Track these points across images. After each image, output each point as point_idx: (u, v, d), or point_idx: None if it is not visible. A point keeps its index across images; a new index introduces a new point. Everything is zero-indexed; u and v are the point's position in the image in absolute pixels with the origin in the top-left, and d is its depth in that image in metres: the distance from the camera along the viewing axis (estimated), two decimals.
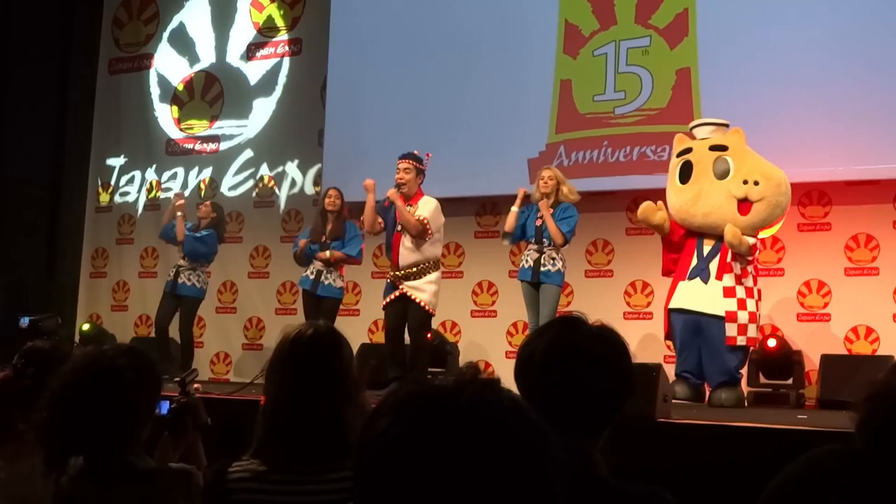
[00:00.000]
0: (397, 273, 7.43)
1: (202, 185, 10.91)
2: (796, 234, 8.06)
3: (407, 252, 7.40)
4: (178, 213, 8.98)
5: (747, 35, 8.12)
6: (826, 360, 7.39)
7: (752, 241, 6.87)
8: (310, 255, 8.37)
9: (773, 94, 7.87)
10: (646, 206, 7.14)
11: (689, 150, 7.15)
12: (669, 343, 7.33)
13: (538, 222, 7.46)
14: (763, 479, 1.37)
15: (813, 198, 8.07)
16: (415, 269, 7.40)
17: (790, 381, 7.48)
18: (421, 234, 7.36)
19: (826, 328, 7.95)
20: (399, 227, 7.43)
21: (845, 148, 7.64)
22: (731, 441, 4.76)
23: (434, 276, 7.49)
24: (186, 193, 10.76)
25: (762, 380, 7.56)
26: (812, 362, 7.59)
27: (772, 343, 7.53)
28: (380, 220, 7.56)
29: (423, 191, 7.55)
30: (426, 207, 7.42)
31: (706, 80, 8.21)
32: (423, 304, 7.38)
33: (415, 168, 7.47)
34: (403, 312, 7.42)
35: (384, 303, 7.55)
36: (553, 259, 7.39)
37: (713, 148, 7.06)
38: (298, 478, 2.28)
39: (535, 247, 7.45)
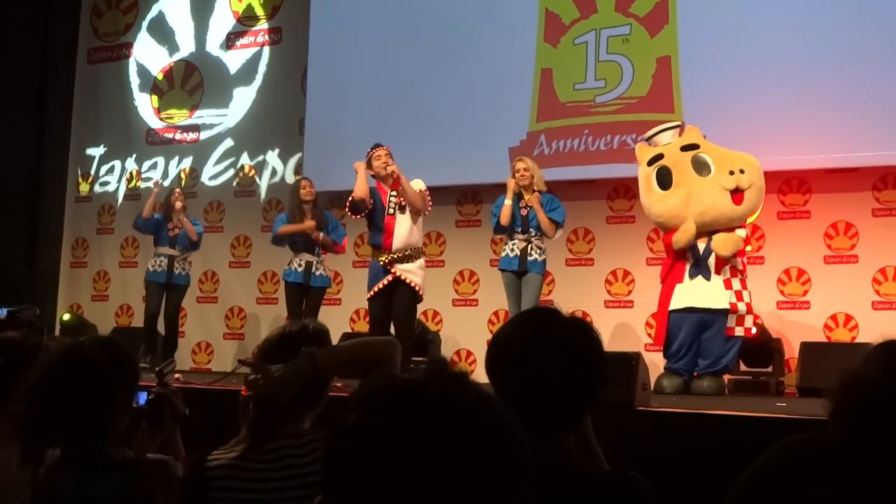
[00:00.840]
0: (392, 255, 7.36)
1: (182, 175, 10.87)
2: (776, 222, 8.09)
3: (404, 234, 7.36)
4: (184, 218, 8.96)
5: (727, 23, 8.14)
6: (806, 347, 7.44)
7: (742, 233, 6.90)
8: (296, 245, 8.37)
9: (753, 82, 7.89)
10: (687, 237, 6.92)
11: (660, 157, 7.10)
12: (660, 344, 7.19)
13: (523, 212, 7.46)
14: (742, 467, 1.38)
15: (792, 186, 8.11)
16: (408, 252, 7.39)
17: (770, 369, 7.52)
18: (424, 202, 7.39)
19: (806, 316, 7.99)
20: (391, 210, 7.37)
21: (825, 136, 7.67)
22: (711, 429, 4.78)
23: (422, 261, 7.52)
24: (166, 183, 10.74)
25: (742, 367, 7.59)
26: (792, 350, 7.64)
27: (752, 331, 7.55)
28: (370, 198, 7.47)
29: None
30: (418, 183, 7.46)
31: (686, 69, 8.23)
32: (415, 286, 7.36)
33: (388, 153, 7.49)
34: (389, 304, 7.39)
35: (373, 291, 7.46)
36: (539, 249, 7.43)
37: (685, 148, 7.06)
38: (275, 463, 2.29)
39: (523, 236, 7.46)
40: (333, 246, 8.40)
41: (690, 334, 6.92)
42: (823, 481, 1.18)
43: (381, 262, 7.40)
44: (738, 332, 6.86)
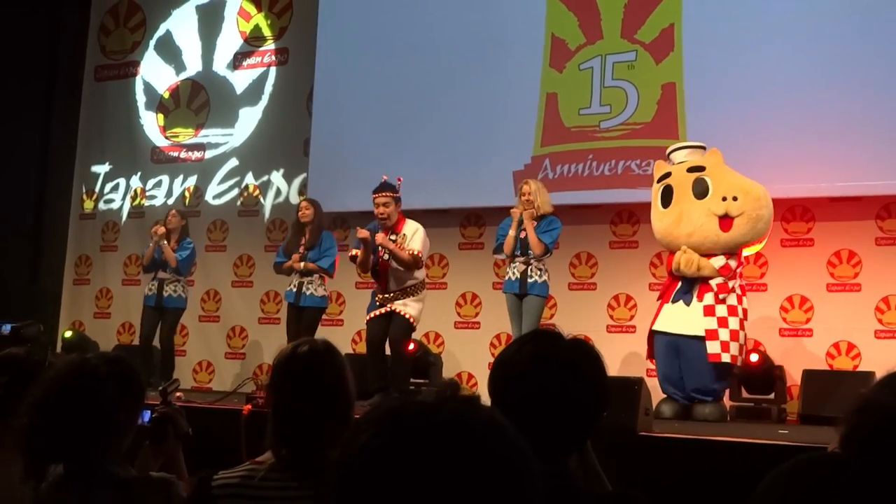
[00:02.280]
0: (387, 296, 7.62)
1: (187, 194, 10.89)
2: (779, 250, 8.09)
3: (395, 278, 7.61)
4: (164, 242, 8.94)
5: (733, 51, 8.17)
6: (808, 375, 7.43)
7: (719, 262, 6.90)
8: (288, 269, 8.41)
9: (758, 110, 7.91)
10: (687, 265, 7.01)
11: (668, 175, 7.23)
12: (653, 360, 7.34)
13: (523, 234, 7.49)
14: (744, 494, 1.38)
15: (796, 213, 8.11)
16: (404, 290, 7.63)
17: (772, 396, 7.50)
18: (416, 267, 7.59)
19: (808, 343, 7.98)
20: (385, 257, 7.58)
21: (829, 164, 7.68)
22: (713, 455, 4.77)
23: (421, 294, 7.70)
24: (171, 202, 10.77)
25: (744, 394, 7.58)
26: (794, 377, 7.62)
27: (754, 358, 7.54)
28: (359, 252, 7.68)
29: (403, 215, 7.73)
30: (416, 239, 7.60)
31: (691, 96, 8.25)
32: (408, 316, 7.56)
33: (392, 199, 7.63)
34: (386, 325, 7.57)
35: (369, 317, 7.69)
36: (539, 271, 7.45)
37: (691, 170, 7.14)
38: (289, 484, 2.29)
39: (522, 259, 7.50)
40: (318, 271, 8.35)
41: (666, 355, 7.01)
42: (836, 498, 1.19)
43: (378, 303, 7.70)
44: (725, 358, 6.84)
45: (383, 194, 7.63)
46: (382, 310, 7.63)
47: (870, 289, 7.83)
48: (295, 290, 8.35)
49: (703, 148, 7.33)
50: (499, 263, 8.67)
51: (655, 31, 8.50)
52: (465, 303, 9.35)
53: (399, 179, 7.69)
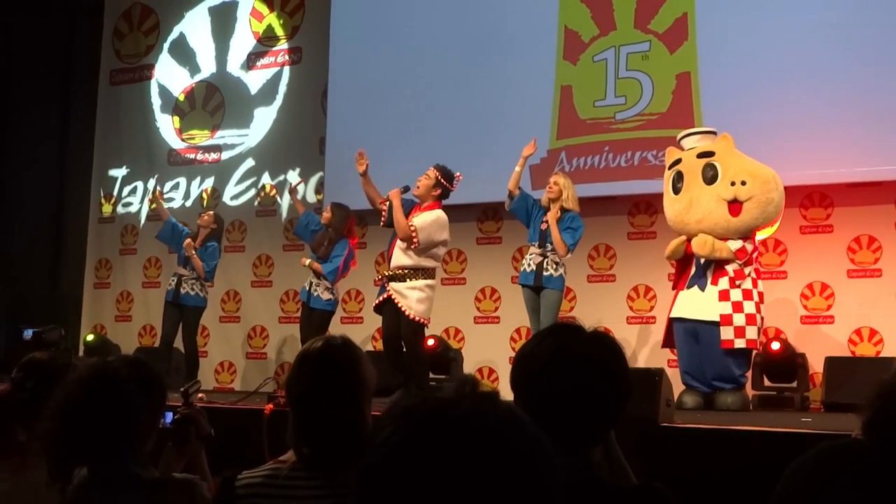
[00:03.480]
0: (386, 273, 7.44)
1: (204, 195, 10.93)
2: (798, 237, 8.06)
3: (399, 253, 7.35)
4: (193, 254, 8.98)
5: (747, 38, 8.13)
6: (830, 362, 7.39)
7: (735, 245, 6.88)
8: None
9: (774, 97, 7.88)
10: (677, 246, 7.12)
11: (679, 161, 7.24)
12: (671, 349, 7.37)
13: (543, 226, 7.46)
14: (767, 483, 1.38)
15: (815, 200, 8.07)
16: (401, 272, 7.31)
17: (794, 384, 7.47)
18: (406, 239, 7.24)
19: (830, 330, 7.95)
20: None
21: (847, 150, 7.64)
22: (735, 445, 4.76)
23: (420, 283, 7.33)
24: (188, 204, 10.80)
25: (766, 383, 7.55)
26: (816, 365, 7.59)
27: (775, 346, 7.52)
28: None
29: (439, 204, 7.43)
30: (422, 217, 7.32)
31: (706, 84, 8.22)
32: (409, 313, 7.26)
33: (436, 178, 7.37)
34: (395, 318, 7.35)
35: (376, 302, 7.55)
36: (556, 264, 7.41)
37: (701, 155, 7.14)
38: (313, 482, 2.29)
39: (539, 250, 7.46)
40: (321, 274, 8.37)
41: (684, 342, 7.02)
42: (860, 484, 1.19)
43: (380, 277, 7.56)
44: (739, 343, 6.81)
45: (434, 169, 7.43)
46: (384, 294, 7.38)
47: (891, 274, 7.79)
48: (307, 289, 8.43)
49: (714, 133, 7.32)
50: (517, 258, 8.66)
51: (669, 21, 8.47)
52: (485, 297, 9.35)
53: (458, 176, 7.49)
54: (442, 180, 7.39)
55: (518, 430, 1.13)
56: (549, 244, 7.41)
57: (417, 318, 7.29)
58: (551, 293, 7.39)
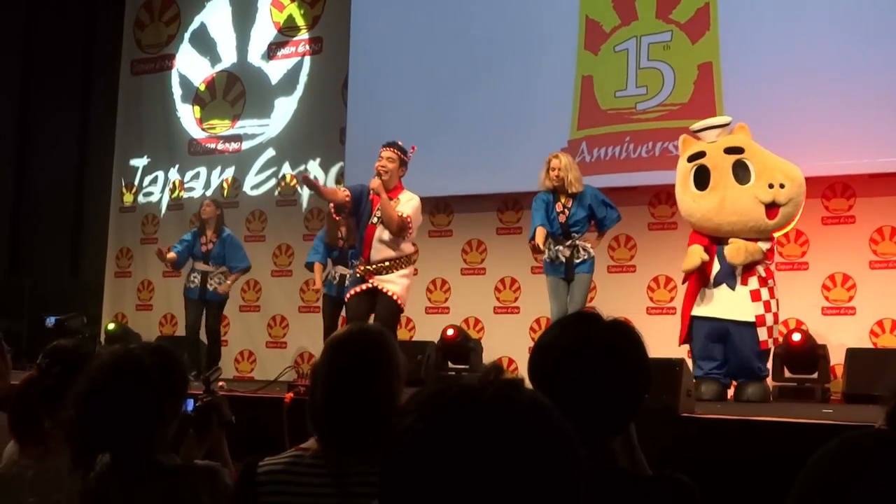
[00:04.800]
0: (368, 268, 6.97)
1: (225, 185, 10.96)
2: (820, 228, 8.02)
3: (381, 246, 6.94)
4: (217, 276, 9.02)
5: (769, 28, 8.09)
6: (851, 353, 7.36)
7: (766, 245, 6.74)
8: (334, 260, 8.50)
9: (796, 87, 7.83)
10: (692, 264, 6.83)
11: (702, 154, 6.92)
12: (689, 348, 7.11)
13: (562, 218, 7.23)
14: (788, 474, 1.37)
15: (837, 191, 8.03)
16: (387, 264, 6.96)
17: (815, 376, 7.44)
18: (401, 230, 6.88)
19: (851, 322, 7.91)
20: (374, 220, 6.97)
21: (869, 140, 7.60)
22: (756, 436, 4.74)
23: (406, 271, 7.06)
24: (209, 193, 10.82)
25: (787, 374, 7.52)
26: (837, 356, 7.55)
27: (796, 337, 7.49)
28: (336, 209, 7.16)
29: (403, 184, 7.12)
30: (408, 205, 6.96)
31: (728, 75, 8.19)
32: (394, 295, 6.92)
33: (398, 158, 7.00)
34: (371, 305, 6.97)
35: (349, 294, 7.09)
36: (585, 250, 7.19)
37: (729, 150, 6.85)
38: (334, 470, 2.29)
39: (566, 243, 7.19)
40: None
41: (708, 340, 6.78)
42: (881, 475, 1.18)
43: (359, 274, 7.05)
44: (770, 344, 6.75)
45: (391, 149, 7.02)
46: (364, 285, 6.95)
47: None
48: (336, 282, 8.43)
49: (729, 123, 7.07)
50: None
51: (691, 11, 8.43)
52: (505, 287, 9.35)
53: (413, 148, 7.19)
54: (404, 158, 7.05)
55: (544, 419, 1.12)
56: (574, 233, 7.17)
57: (400, 302, 6.99)
58: (583, 277, 7.18)
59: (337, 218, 7.48)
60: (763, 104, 7.79)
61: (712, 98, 8.20)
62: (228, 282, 9.06)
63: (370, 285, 6.95)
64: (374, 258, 6.95)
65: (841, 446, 1.26)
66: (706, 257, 6.77)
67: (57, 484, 2.64)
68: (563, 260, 7.20)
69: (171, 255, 9.03)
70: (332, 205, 7.23)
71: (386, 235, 6.93)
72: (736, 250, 6.62)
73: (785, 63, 7.94)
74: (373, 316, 6.95)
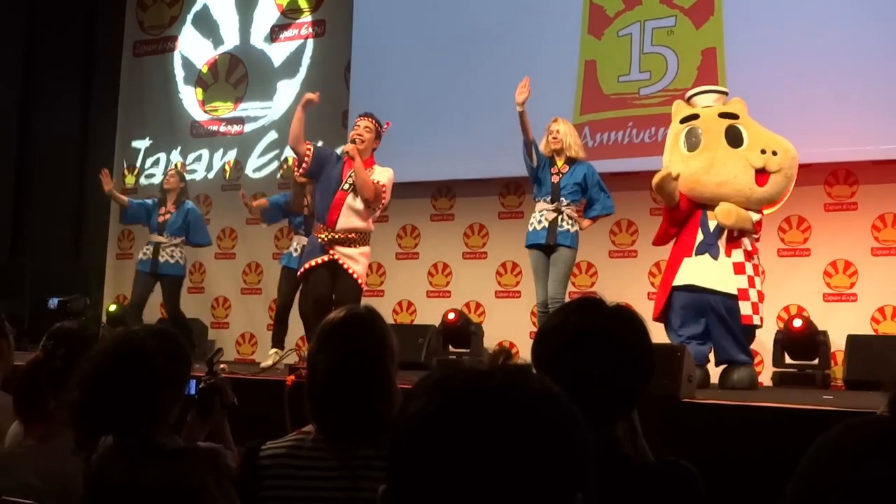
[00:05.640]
0: (332, 235, 6.72)
1: (227, 167, 10.95)
2: (822, 214, 8.02)
3: (351, 214, 6.71)
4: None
5: (773, 14, 8.07)
6: (852, 340, 7.36)
7: (756, 216, 6.49)
8: (296, 228, 8.27)
9: (800, 73, 7.82)
10: (664, 176, 6.61)
11: (694, 117, 6.75)
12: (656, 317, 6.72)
13: (555, 179, 7.05)
14: (789, 460, 1.37)
15: (839, 177, 8.03)
16: (352, 236, 6.74)
17: (816, 362, 7.45)
18: (375, 197, 6.66)
19: (852, 308, 7.91)
20: (346, 186, 6.74)
21: (873, 127, 7.59)
22: (757, 421, 4.75)
23: (367, 249, 6.86)
24: (211, 176, 10.81)
25: (787, 360, 7.53)
26: (838, 343, 7.56)
27: (797, 323, 7.49)
28: (308, 148, 6.89)
29: (374, 158, 6.96)
30: (384, 175, 6.77)
31: (732, 60, 8.17)
32: (355, 275, 6.72)
33: (375, 129, 6.86)
34: (331, 282, 6.78)
35: (307, 266, 6.83)
36: (571, 219, 7.00)
37: (723, 115, 6.69)
38: (336, 453, 2.30)
39: (552, 206, 7.00)
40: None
41: (688, 312, 6.49)
42: (884, 461, 1.18)
43: (321, 240, 6.76)
44: (756, 320, 6.47)
45: (368, 118, 6.88)
46: (325, 257, 6.71)
47: None
48: (297, 254, 7.98)
49: (726, 93, 6.97)
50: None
51: None
52: (506, 272, 9.35)
53: (387, 123, 7.06)
54: (380, 130, 6.91)
55: (552, 404, 1.13)
56: (563, 198, 6.99)
57: (361, 282, 6.82)
58: (565, 251, 6.94)
59: (301, 180, 7.28)
60: (766, 90, 7.77)
61: (715, 83, 8.14)
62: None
63: (331, 257, 6.74)
64: (340, 226, 6.72)
65: (843, 433, 1.26)
66: (674, 175, 6.54)
67: (60, 464, 2.65)
68: (546, 224, 6.98)
69: (125, 199, 8.99)
70: (298, 169, 7.09)
71: (358, 203, 6.72)
72: (727, 211, 6.36)
73: (789, 49, 7.92)
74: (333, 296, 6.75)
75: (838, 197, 8.04)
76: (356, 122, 6.97)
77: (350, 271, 6.72)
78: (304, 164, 6.94)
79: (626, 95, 8.59)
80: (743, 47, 8.15)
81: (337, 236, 6.72)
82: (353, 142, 6.77)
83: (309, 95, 7.00)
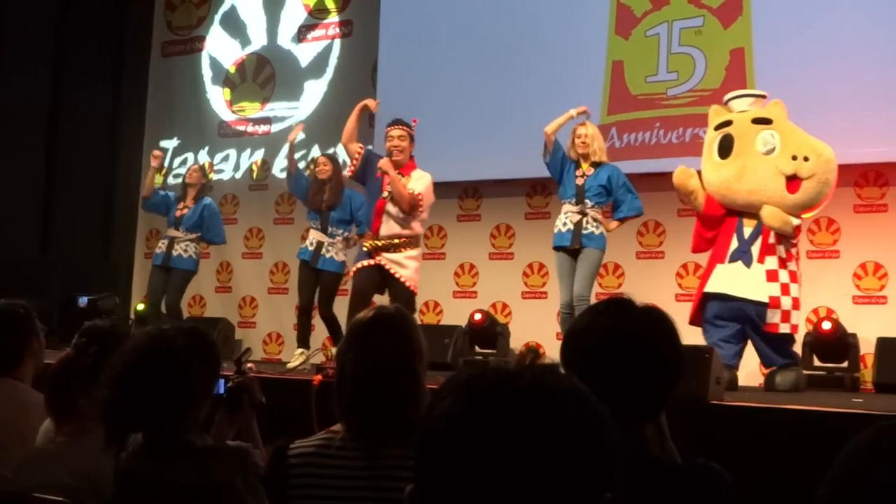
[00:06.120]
0: (376, 243, 6.92)
1: (254, 167, 10.99)
2: (852, 216, 7.96)
3: (392, 222, 6.90)
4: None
5: (802, 14, 8.01)
6: (882, 343, 7.28)
7: (796, 221, 6.48)
8: (312, 222, 8.27)
9: (830, 74, 7.76)
10: (682, 171, 6.74)
11: (728, 123, 6.74)
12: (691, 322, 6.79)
13: (579, 181, 7.11)
14: (818, 463, 1.37)
15: (869, 178, 7.96)
16: (396, 242, 6.90)
17: (845, 365, 7.39)
18: (412, 208, 6.84)
19: (882, 311, 7.84)
20: (385, 195, 6.93)
21: None
22: (785, 424, 4.73)
23: (415, 252, 7.03)
24: (238, 176, 10.86)
25: (816, 363, 7.48)
26: (868, 345, 7.50)
27: (826, 326, 7.43)
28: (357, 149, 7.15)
29: (415, 161, 7.13)
30: (420, 182, 6.93)
31: (761, 60, 8.12)
32: (406, 281, 6.89)
33: (408, 135, 7.03)
34: (377, 281, 6.94)
35: (355, 268, 7.02)
36: (596, 221, 7.05)
37: (756, 121, 6.66)
38: (364, 453, 2.30)
39: (576, 208, 7.07)
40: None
41: (722, 319, 6.49)
42: None
43: (366, 249, 6.99)
44: (784, 328, 6.45)
45: (399, 127, 7.02)
46: (371, 261, 6.89)
47: None
48: (312, 248, 8.04)
49: (765, 97, 6.95)
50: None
51: None
52: (532, 272, 9.34)
53: (414, 121, 7.22)
54: (412, 133, 7.07)
55: (581, 404, 1.12)
56: (588, 200, 7.05)
57: (412, 287, 6.94)
58: (592, 252, 6.98)
59: (348, 175, 7.38)
60: (795, 91, 7.71)
61: (744, 84, 8.12)
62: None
63: (377, 262, 6.89)
64: (383, 233, 6.90)
65: (876, 436, 1.25)
66: (696, 179, 6.65)
67: (90, 461, 2.67)
68: (571, 226, 7.06)
69: (153, 187, 8.93)
70: (349, 166, 7.23)
71: (396, 211, 6.88)
72: (773, 213, 6.37)
73: (818, 49, 7.86)
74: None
75: (868, 198, 7.98)
76: (388, 133, 7.08)
77: (398, 276, 6.86)
78: (352, 165, 7.15)
79: (654, 96, 8.56)
80: (771, 47, 8.10)
81: (380, 243, 6.90)
82: (391, 154, 6.93)
83: (368, 102, 7.35)
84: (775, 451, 4.56)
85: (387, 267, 6.87)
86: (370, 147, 7.61)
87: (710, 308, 6.58)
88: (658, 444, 2.08)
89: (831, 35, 7.84)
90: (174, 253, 8.73)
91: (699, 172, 6.84)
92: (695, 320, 6.69)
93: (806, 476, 1.99)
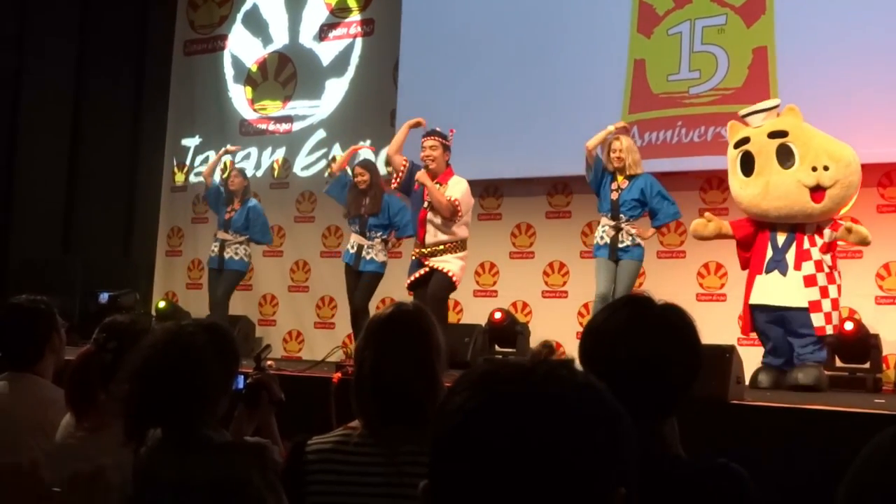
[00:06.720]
0: (423, 250, 7.33)
1: (275, 166, 11.02)
2: (875, 216, 7.90)
3: (434, 230, 7.29)
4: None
5: (826, 12, 7.97)
6: None
7: (864, 230, 6.60)
8: (351, 226, 8.39)
9: (853, 73, 7.71)
10: (693, 228, 7.13)
11: (746, 140, 6.86)
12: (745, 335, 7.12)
13: (614, 195, 7.31)
14: (838, 463, 1.36)
15: (893, 179, 7.92)
16: (441, 248, 7.29)
17: (867, 366, 7.34)
18: (451, 214, 7.21)
19: None
20: (426, 204, 7.31)
21: None
22: (806, 424, 4.70)
23: (462, 253, 7.38)
24: (259, 174, 10.89)
25: (838, 363, 7.43)
26: (890, 346, 7.45)
27: (848, 326, 7.38)
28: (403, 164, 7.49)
29: (452, 168, 7.44)
30: (457, 188, 7.30)
31: (783, 59, 8.08)
32: (449, 272, 7.25)
33: (441, 145, 7.35)
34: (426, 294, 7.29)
35: (409, 280, 7.45)
36: (631, 235, 7.26)
37: (772, 135, 6.76)
38: (381, 449, 2.30)
39: (612, 223, 7.31)
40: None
41: (770, 328, 6.71)
42: None
43: (414, 257, 7.42)
44: (829, 330, 6.64)
45: (432, 138, 7.38)
46: (422, 270, 7.33)
47: None
48: (354, 251, 8.28)
49: (778, 105, 6.98)
50: (586, 232, 8.64)
51: None
52: (553, 272, 9.33)
53: (451, 131, 7.49)
54: (446, 143, 7.39)
55: (595, 399, 1.12)
56: (622, 214, 7.27)
57: (453, 277, 7.26)
58: (630, 264, 7.25)
59: (393, 187, 7.69)
60: (818, 89, 7.68)
61: (766, 83, 8.10)
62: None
63: (427, 269, 7.27)
64: (428, 241, 7.30)
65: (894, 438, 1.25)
66: (714, 223, 6.99)
67: (110, 456, 2.68)
68: (608, 240, 7.29)
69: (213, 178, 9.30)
70: (394, 178, 7.59)
71: (438, 219, 7.24)
72: (849, 229, 6.55)
73: (842, 47, 7.82)
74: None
75: (892, 198, 7.93)
76: (422, 144, 7.40)
77: (444, 270, 7.25)
78: (397, 177, 7.53)
79: (676, 94, 8.53)
80: (794, 46, 8.05)
81: (426, 251, 7.32)
82: (425, 165, 7.29)
83: (420, 119, 7.72)
84: (795, 451, 4.54)
85: (435, 266, 7.26)
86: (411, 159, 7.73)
87: (757, 319, 6.80)
88: (675, 443, 2.07)
89: (854, 34, 7.80)
90: (226, 255, 9.05)
91: (711, 212, 7.26)
92: (746, 329, 6.99)
93: (826, 476, 1.98)
